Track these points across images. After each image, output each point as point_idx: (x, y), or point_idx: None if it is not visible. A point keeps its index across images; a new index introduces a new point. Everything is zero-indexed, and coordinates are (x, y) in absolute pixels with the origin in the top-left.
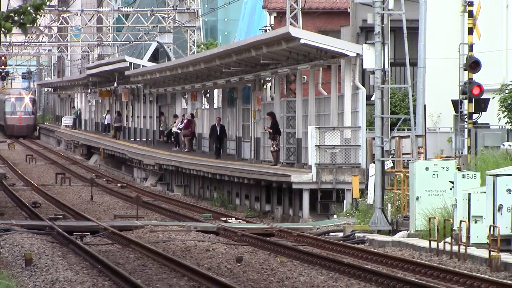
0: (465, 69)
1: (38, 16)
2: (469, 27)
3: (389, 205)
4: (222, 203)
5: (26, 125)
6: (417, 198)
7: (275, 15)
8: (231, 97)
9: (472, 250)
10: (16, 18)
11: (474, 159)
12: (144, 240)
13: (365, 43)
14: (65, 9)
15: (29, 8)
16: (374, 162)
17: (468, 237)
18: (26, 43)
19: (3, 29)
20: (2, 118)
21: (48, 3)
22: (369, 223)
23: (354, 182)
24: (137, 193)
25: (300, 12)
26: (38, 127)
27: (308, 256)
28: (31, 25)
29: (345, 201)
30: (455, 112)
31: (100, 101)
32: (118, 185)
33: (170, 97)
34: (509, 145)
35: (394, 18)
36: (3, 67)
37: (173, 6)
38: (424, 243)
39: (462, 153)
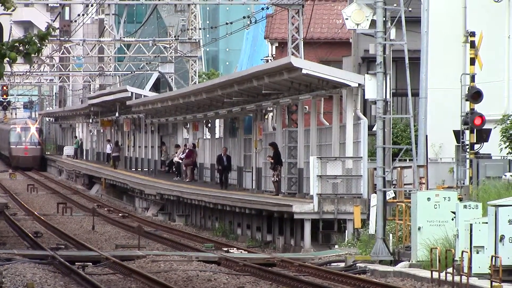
0: (466, 100)
1: (43, 46)
2: (471, 58)
3: (391, 235)
4: (224, 233)
5: (32, 157)
6: (419, 229)
7: (277, 45)
8: (233, 127)
9: (474, 281)
10: (21, 48)
11: (476, 190)
12: (145, 270)
13: (367, 73)
14: (66, 39)
15: (34, 38)
16: (375, 192)
17: (469, 268)
18: (27, 73)
19: (7, 59)
20: (7, 149)
21: (52, 33)
22: (371, 253)
23: (355, 212)
24: (139, 223)
25: (302, 42)
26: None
27: (309, 286)
28: (35, 55)
29: (346, 231)
30: (457, 143)
31: (102, 131)
32: (120, 215)
33: (172, 127)
34: (511, 176)
35: (396, 49)
36: (4, 96)
37: (174, 36)
38: (426, 274)
39: (463, 183)
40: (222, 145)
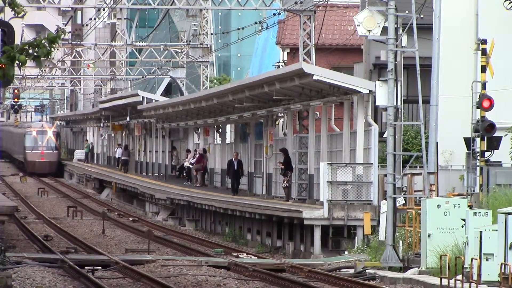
0: (477, 107)
1: (52, 49)
2: (482, 65)
3: (401, 242)
4: (234, 238)
5: (48, 162)
6: (429, 235)
7: (288, 51)
8: (244, 133)
9: None
10: (30, 51)
11: (486, 197)
12: (155, 275)
13: (378, 80)
14: (78, 42)
15: (43, 41)
16: (385, 199)
17: (479, 275)
18: (39, 76)
19: (17, 62)
20: (22, 154)
21: (62, 37)
22: (381, 260)
23: (365, 219)
24: (149, 228)
25: (313, 48)
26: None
27: None
28: (45, 58)
29: (356, 237)
30: (467, 150)
31: (113, 135)
32: (130, 219)
33: (183, 131)
34: None
35: (407, 55)
36: (16, 100)
37: (186, 41)
38: (435, 281)
39: (474, 191)
40: (232, 150)
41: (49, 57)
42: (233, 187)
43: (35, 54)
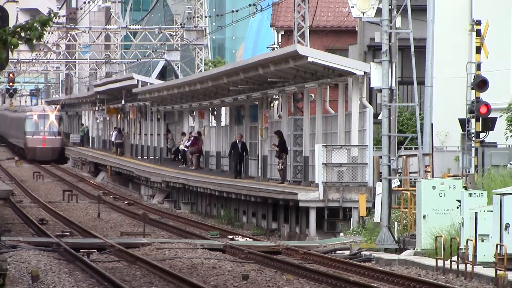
0: (472, 88)
1: (44, 32)
2: (476, 46)
3: (396, 223)
4: (229, 220)
5: (51, 148)
6: (424, 217)
7: (283, 33)
8: (239, 115)
9: (479, 269)
10: (22, 34)
11: (481, 178)
12: (150, 257)
13: (373, 61)
14: (73, 26)
15: (35, 24)
16: (381, 181)
17: (474, 256)
18: (34, 60)
19: (9, 45)
20: (22, 139)
21: (56, 20)
22: (376, 242)
23: (361, 200)
24: (144, 211)
25: (308, 30)
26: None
27: (314, 274)
28: (37, 41)
29: (351, 219)
30: (463, 131)
31: (108, 118)
32: (125, 202)
33: (178, 114)
34: None
35: (401, 37)
36: (11, 84)
37: (180, 24)
38: (431, 262)
39: (469, 172)
40: (228, 133)
41: (42, 40)
42: (236, 169)
43: (27, 37)
